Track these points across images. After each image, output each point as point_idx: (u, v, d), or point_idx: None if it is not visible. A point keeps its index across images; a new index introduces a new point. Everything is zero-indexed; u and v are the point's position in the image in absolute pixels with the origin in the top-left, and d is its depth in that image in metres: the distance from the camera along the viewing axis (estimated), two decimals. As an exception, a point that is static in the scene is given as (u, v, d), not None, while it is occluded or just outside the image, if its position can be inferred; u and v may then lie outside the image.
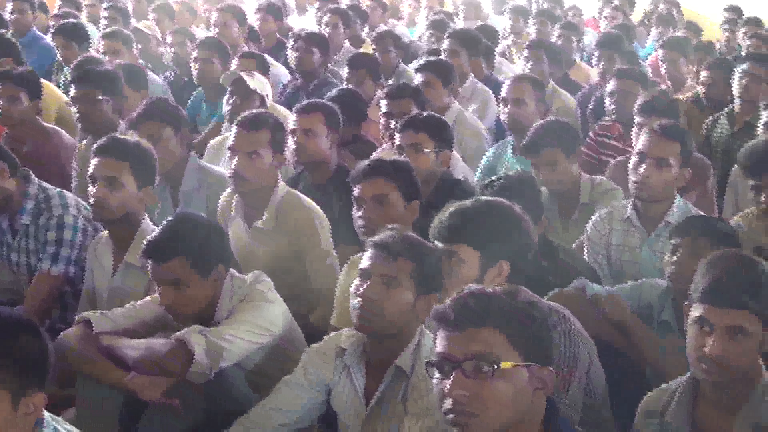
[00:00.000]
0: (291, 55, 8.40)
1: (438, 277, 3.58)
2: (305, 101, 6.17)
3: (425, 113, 5.67)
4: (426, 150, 5.36)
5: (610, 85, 6.81)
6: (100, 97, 6.23)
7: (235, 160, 5.07)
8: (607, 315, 4.16)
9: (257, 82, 6.62)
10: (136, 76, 7.36)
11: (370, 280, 3.55)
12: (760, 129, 6.28)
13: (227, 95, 6.66)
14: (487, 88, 7.95)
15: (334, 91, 6.84)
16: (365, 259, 3.61)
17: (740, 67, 7.28)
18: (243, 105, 6.37)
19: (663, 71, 8.59)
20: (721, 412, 3.24)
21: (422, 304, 3.54)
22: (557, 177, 5.49)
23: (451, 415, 2.57)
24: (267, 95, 6.74)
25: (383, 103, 6.36)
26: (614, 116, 6.75)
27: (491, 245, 3.58)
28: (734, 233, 4.39)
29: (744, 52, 9.05)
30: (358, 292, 3.55)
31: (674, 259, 4.27)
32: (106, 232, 4.84)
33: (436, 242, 3.64)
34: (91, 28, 9.99)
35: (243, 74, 6.63)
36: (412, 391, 3.55)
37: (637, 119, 6.06)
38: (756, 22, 11.43)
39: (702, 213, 5.04)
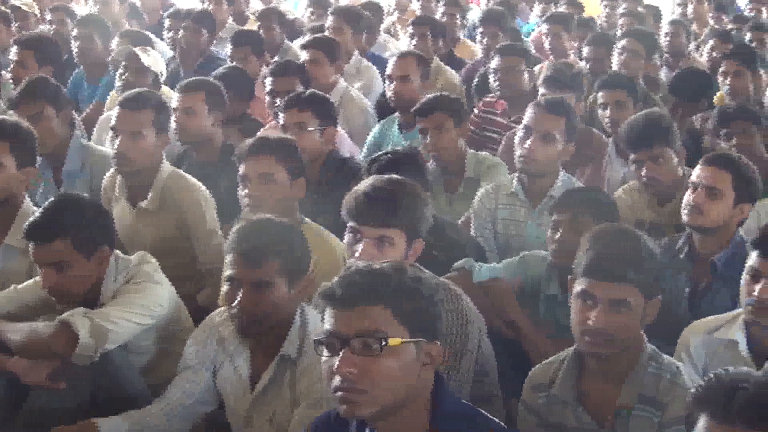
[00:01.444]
0: (175, 34, 8.30)
1: (306, 260, 3.60)
2: (187, 79, 6.10)
3: (308, 91, 5.65)
4: (311, 128, 5.35)
5: (494, 62, 6.86)
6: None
7: (117, 141, 5.00)
8: (494, 304, 4.21)
9: (152, 59, 6.53)
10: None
11: (240, 292, 3.47)
12: (599, 111, 6.35)
13: (120, 70, 6.55)
14: (372, 65, 7.95)
15: (220, 69, 6.79)
16: (230, 267, 3.52)
17: (619, 44, 7.41)
18: (136, 82, 6.27)
19: (546, 45, 8.68)
20: (606, 384, 3.29)
21: (296, 293, 3.55)
22: (444, 144, 5.52)
23: (339, 393, 2.57)
24: (161, 72, 6.65)
25: (268, 81, 6.33)
26: (498, 92, 6.79)
27: (414, 225, 3.59)
28: (614, 205, 4.47)
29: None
30: (235, 303, 3.47)
31: (556, 236, 4.32)
32: (-15, 215, 4.74)
33: (352, 223, 3.58)
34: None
35: (137, 50, 6.52)
36: (302, 378, 3.54)
37: (541, 91, 6.13)
38: (635, -2, 11.63)
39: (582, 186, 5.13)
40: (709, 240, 4.42)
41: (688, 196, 4.42)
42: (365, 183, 3.66)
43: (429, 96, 5.75)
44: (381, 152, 4.87)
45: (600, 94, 6.25)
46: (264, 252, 3.45)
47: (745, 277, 3.69)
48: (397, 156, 4.62)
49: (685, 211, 4.40)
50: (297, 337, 3.54)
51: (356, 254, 3.51)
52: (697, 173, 4.45)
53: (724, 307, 4.09)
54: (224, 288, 3.52)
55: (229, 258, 3.51)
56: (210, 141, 5.71)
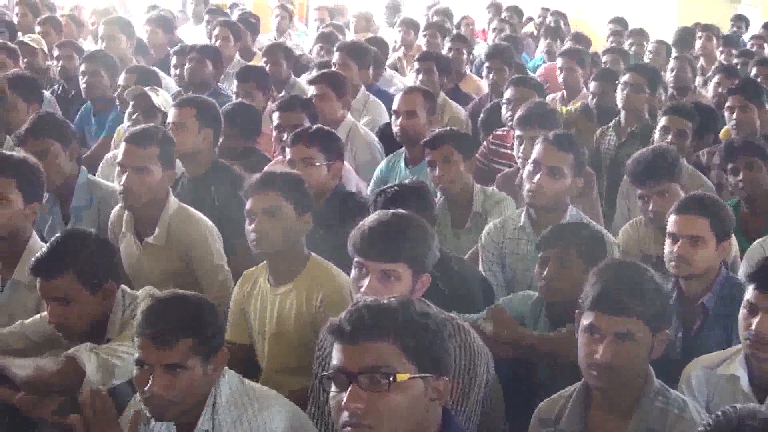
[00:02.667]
0: (181, 70, 8.32)
1: (220, 334, 3.47)
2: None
3: (315, 126, 5.66)
4: (317, 164, 5.35)
5: (508, 93, 6.89)
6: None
7: (124, 176, 5.01)
8: (494, 335, 4.18)
9: (161, 99, 6.56)
10: (30, 87, 7.18)
11: (151, 376, 3.29)
12: (656, 135, 6.40)
13: (129, 109, 6.58)
14: (379, 100, 7.97)
15: (227, 105, 6.79)
16: (139, 350, 3.34)
17: (622, 78, 7.42)
18: (145, 121, 6.28)
19: (561, 80, 8.75)
20: (614, 418, 3.29)
21: (212, 370, 3.39)
22: (452, 176, 5.52)
23: (347, 429, 2.57)
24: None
25: (275, 115, 6.34)
26: (510, 123, 6.81)
27: (420, 260, 3.58)
28: (602, 238, 4.46)
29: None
30: (147, 387, 3.30)
31: (544, 273, 4.31)
32: (-8, 250, 4.75)
33: (357, 258, 3.56)
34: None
35: (148, 90, 6.55)
36: None
37: (517, 132, 6.12)
38: (640, 32, 11.70)
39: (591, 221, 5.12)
40: (696, 283, 4.40)
41: (669, 248, 4.39)
42: (370, 218, 3.65)
43: (438, 129, 5.76)
44: (388, 185, 4.86)
45: (664, 119, 6.33)
46: (174, 332, 3.27)
47: (742, 312, 3.67)
48: (403, 188, 4.62)
49: (672, 264, 4.37)
50: (210, 413, 3.39)
51: (362, 289, 3.50)
52: (674, 223, 4.42)
53: (718, 346, 4.09)
54: (135, 371, 3.35)
55: (137, 340, 3.32)
56: (199, 155, 5.75)
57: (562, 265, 4.23)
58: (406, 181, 4.99)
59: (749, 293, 3.66)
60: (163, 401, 3.26)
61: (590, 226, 4.64)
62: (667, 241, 4.41)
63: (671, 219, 4.43)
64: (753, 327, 3.60)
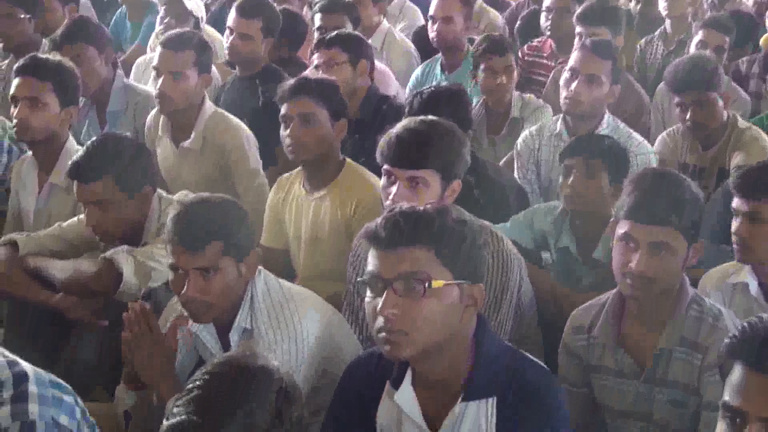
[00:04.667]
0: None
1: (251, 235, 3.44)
2: (246, 1, 6.13)
3: (334, 32, 5.65)
4: (341, 63, 5.36)
5: (547, 1, 6.81)
6: (22, 16, 6.11)
7: (160, 81, 5.02)
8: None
9: (193, 3, 6.54)
10: None
11: (186, 281, 3.27)
12: (692, 48, 6.32)
13: (161, 13, 6.57)
14: (415, 6, 7.90)
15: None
16: (172, 255, 3.31)
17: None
18: (177, 25, 6.28)
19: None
20: (647, 327, 3.29)
21: (246, 271, 3.36)
22: (511, 85, 5.53)
23: (382, 334, 2.58)
24: (202, 17, 6.67)
25: (317, 17, 6.35)
26: (548, 33, 6.76)
27: (449, 166, 3.57)
28: (625, 150, 4.40)
29: None
30: (183, 292, 3.29)
31: (568, 182, 4.29)
32: (30, 153, 4.77)
33: (385, 166, 3.57)
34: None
35: None
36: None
37: (577, 29, 6.09)
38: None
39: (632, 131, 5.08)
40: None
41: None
42: (398, 125, 3.65)
43: (497, 36, 5.73)
44: (425, 88, 4.83)
45: (702, 32, 6.30)
46: (203, 236, 3.25)
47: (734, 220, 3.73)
48: (439, 91, 4.58)
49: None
50: (248, 313, 3.39)
51: (390, 196, 3.52)
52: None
53: None
54: (170, 276, 3.35)
55: (169, 247, 3.31)
56: (257, 61, 5.93)
57: (587, 174, 4.21)
58: (443, 84, 4.97)
59: (735, 201, 3.72)
60: (200, 304, 3.28)
61: (613, 138, 4.57)
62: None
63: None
64: (733, 228, 3.69)
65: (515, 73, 5.60)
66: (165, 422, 2.29)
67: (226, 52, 6.01)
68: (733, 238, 3.71)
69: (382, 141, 3.61)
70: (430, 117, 3.72)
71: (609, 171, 4.20)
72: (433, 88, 4.64)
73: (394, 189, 3.53)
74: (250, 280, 3.38)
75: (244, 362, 2.38)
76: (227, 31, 5.95)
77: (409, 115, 4.05)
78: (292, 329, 3.35)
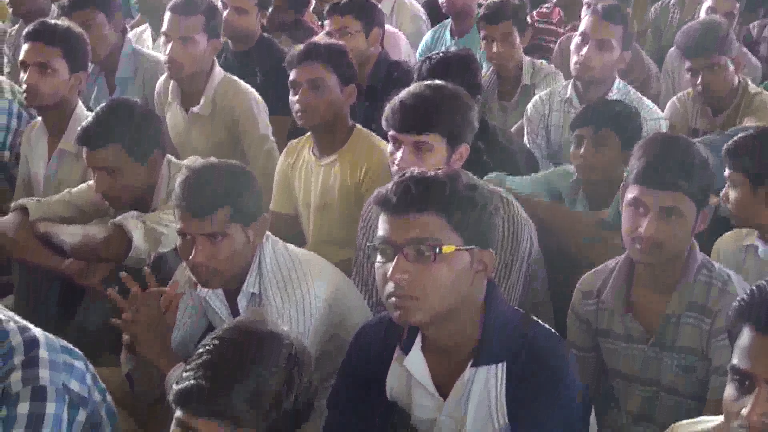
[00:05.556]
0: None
1: (259, 201, 3.42)
2: None
3: None
4: (354, 31, 5.34)
5: None
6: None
7: (169, 46, 5.01)
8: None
9: None
10: None
11: (194, 246, 3.25)
12: (702, 13, 6.29)
13: None
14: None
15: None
16: (179, 221, 3.30)
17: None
18: None
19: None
20: (656, 292, 3.29)
21: (254, 236, 3.35)
22: (509, 52, 5.50)
23: (392, 299, 2.58)
24: None
25: None
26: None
27: (456, 130, 3.56)
28: (636, 115, 4.38)
29: None
30: (190, 257, 3.28)
31: (580, 151, 4.27)
32: (39, 119, 4.77)
33: (391, 131, 3.57)
34: None
35: None
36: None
37: None
38: None
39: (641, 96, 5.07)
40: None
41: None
42: (403, 91, 3.64)
43: (494, 3, 5.69)
44: (433, 53, 4.82)
45: None
46: (210, 202, 3.24)
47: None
48: (448, 56, 4.56)
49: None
50: (256, 278, 3.40)
51: (396, 162, 3.52)
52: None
53: None
54: (178, 242, 3.34)
55: (176, 213, 3.29)
56: (251, 34, 5.91)
57: (598, 143, 4.20)
58: (452, 49, 4.95)
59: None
60: (208, 270, 3.28)
61: (625, 104, 4.54)
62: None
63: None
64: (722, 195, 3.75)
65: (518, 40, 5.55)
66: (174, 386, 2.30)
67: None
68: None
69: (387, 107, 3.60)
70: (436, 82, 3.71)
71: (620, 138, 4.19)
72: (442, 54, 4.62)
73: (399, 154, 3.53)
74: (258, 245, 3.38)
75: (253, 327, 2.39)
76: (220, 5, 5.89)
77: (418, 81, 4.04)
78: (300, 295, 3.35)
